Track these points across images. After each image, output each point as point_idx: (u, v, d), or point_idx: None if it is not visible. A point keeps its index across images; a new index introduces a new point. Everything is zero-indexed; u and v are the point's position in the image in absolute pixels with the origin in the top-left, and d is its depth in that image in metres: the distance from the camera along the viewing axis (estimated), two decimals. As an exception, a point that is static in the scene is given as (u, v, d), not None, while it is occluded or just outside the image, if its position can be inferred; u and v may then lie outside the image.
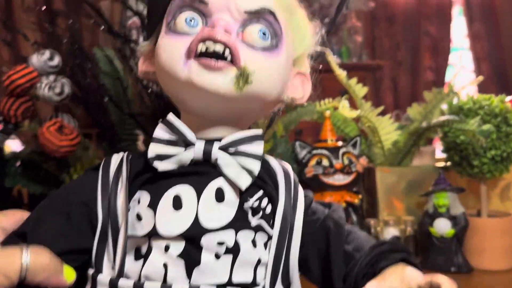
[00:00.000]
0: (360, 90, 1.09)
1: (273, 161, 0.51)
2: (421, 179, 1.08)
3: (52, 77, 0.82)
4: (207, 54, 0.43)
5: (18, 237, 0.45)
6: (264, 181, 0.47)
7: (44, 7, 0.82)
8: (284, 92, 0.50)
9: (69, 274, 0.43)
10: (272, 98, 0.48)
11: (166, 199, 0.45)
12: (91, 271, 0.46)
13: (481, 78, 1.04)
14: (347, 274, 0.45)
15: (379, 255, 0.44)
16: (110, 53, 0.93)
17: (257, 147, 0.46)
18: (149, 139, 0.91)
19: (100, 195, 0.47)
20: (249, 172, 0.45)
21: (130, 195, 0.46)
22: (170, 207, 0.44)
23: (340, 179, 0.94)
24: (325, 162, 0.96)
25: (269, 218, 0.47)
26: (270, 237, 0.47)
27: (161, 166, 0.45)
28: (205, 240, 0.44)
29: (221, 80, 0.43)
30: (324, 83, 2.06)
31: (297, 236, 0.48)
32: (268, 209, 0.47)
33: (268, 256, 0.46)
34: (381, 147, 1.06)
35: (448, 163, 1.05)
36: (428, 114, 1.05)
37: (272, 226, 0.47)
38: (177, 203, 0.45)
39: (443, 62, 3.04)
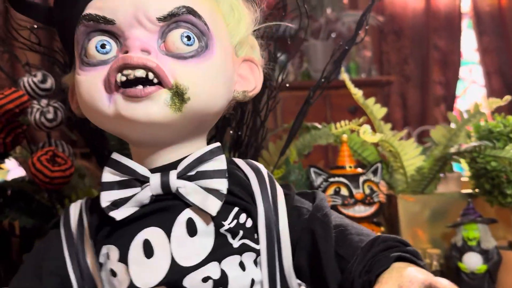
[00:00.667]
0: (378, 111, 1.01)
1: (242, 165, 0.46)
2: (447, 207, 1.00)
3: (44, 102, 0.75)
4: (131, 83, 0.38)
5: None
6: (236, 195, 0.43)
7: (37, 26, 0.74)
8: (231, 89, 0.45)
9: None
10: (220, 105, 0.44)
11: (135, 248, 0.41)
12: None
13: (509, 97, 0.96)
14: (342, 282, 0.41)
15: (372, 258, 0.39)
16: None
17: (219, 163, 0.42)
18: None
19: (68, 258, 0.44)
20: (216, 193, 0.41)
21: (97, 250, 0.43)
22: (141, 256, 0.41)
23: (361, 211, 0.86)
24: (344, 191, 0.87)
25: (252, 233, 0.43)
26: (258, 253, 0.43)
27: (119, 214, 0.40)
28: (188, 281, 0.40)
29: (154, 107, 0.39)
30: (332, 100, 1.99)
31: (286, 244, 0.43)
32: (249, 224, 0.43)
33: (261, 274, 0.43)
34: (403, 173, 0.98)
35: (476, 190, 0.97)
36: (453, 137, 0.97)
37: (257, 241, 0.43)
38: (148, 250, 0.41)
39: (453, 76, 2.96)
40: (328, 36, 2.34)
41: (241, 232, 0.43)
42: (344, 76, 1.04)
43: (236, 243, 0.42)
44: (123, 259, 0.41)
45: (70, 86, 0.48)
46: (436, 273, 0.95)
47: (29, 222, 0.87)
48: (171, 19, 0.40)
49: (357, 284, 0.38)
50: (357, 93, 1.02)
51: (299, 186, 0.96)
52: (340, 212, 0.87)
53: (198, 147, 0.43)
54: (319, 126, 1.00)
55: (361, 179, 0.89)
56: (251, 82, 0.47)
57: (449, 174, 1.06)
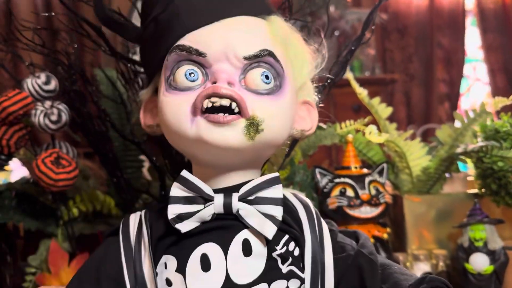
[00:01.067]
0: (383, 110, 1.00)
1: (291, 198, 0.51)
2: (453, 207, 0.99)
3: (48, 103, 0.75)
4: (214, 109, 0.43)
5: None
6: (288, 223, 0.46)
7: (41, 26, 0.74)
8: (293, 126, 0.50)
9: None
10: (284, 139, 0.49)
11: (194, 261, 0.44)
12: None
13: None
14: None
15: None
16: (113, 74, 0.85)
17: (277, 191, 0.46)
18: (154, 167, 0.84)
19: (125, 265, 0.46)
20: (272, 218, 0.44)
21: (155, 260, 0.46)
22: (198, 269, 0.44)
23: (367, 212, 0.85)
24: (350, 192, 0.87)
25: (298, 262, 0.46)
26: (303, 281, 0.46)
27: (184, 227, 0.44)
28: None
29: (231, 134, 0.43)
30: (336, 99, 1.98)
31: (330, 275, 0.47)
32: (296, 252, 0.47)
33: None
34: (409, 173, 0.98)
35: (482, 190, 0.96)
36: (459, 137, 0.96)
37: (302, 270, 0.46)
38: (205, 264, 0.44)
39: (457, 74, 2.94)
40: (332, 34, 2.32)
41: (290, 259, 0.46)
42: (349, 75, 1.03)
43: (284, 269, 0.45)
44: (181, 270, 0.44)
45: (144, 102, 0.52)
46: (442, 274, 0.94)
47: (33, 225, 0.87)
48: (255, 59, 0.45)
49: None
50: (362, 92, 1.01)
51: (304, 187, 0.95)
52: (346, 213, 0.86)
53: (254, 174, 0.48)
54: (324, 126, 0.99)
55: (367, 179, 0.88)
56: (308, 123, 0.52)
57: (455, 174, 1.06)
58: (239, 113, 0.43)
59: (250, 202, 0.45)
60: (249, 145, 0.44)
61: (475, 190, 1.01)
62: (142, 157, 0.97)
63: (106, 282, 0.46)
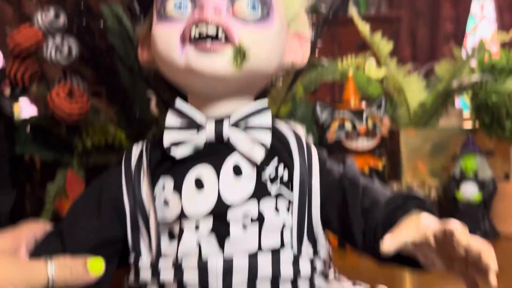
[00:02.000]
0: (384, 46, 1.02)
1: (283, 127, 0.52)
2: (447, 141, 1.04)
3: (58, 38, 0.77)
4: (202, 38, 0.44)
5: (56, 236, 0.47)
6: (277, 149, 0.48)
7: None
8: (283, 58, 0.50)
9: (96, 267, 0.43)
10: (272, 69, 0.49)
11: (189, 181, 0.46)
12: (131, 259, 0.48)
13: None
14: (366, 230, 0.46)
15: (394, 209, 0.43)
16: (119, 10, 0.87)
17: (266, 119, 0.47)
18: (161, 101, 0.87)
19: (125, 187, 0.49)
20: (261, 144, 0.47)
21: (153, 183, 0.48)
22: (193, 188, 0.46)
23: (364, 144, 0.90)
24: (348, 126, 0.91)
25: (287, 184, 0.48)
26: (291, 202, 0.48)
27: (178, 153, 0.46)
28: (231, 215, 0.45)
29: (219, 62, 0.44)
30: (340, 37, 1.98)
31: (316, 197, 0.49)
32: (285, 176, 0.48)
33: (291, 220, 0.48)
34: (406, 108, 1.01)
35: (476, 124, 1.00)
36: (456, 72, 0.98)
37: (291, 192, 0.48)
38: (199, 184, 0.46)
39: (464, 12, 2.88)
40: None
41: (278, 181, 0.48)
42: (353, 11, 1.04)
43: (273, 190, 0.47)
44: (178, 189, 0.47)
45: (141, 38, 0.53)
46: (434, 202, 1.00)
47: (49, 156, 0.92)
48: None
49: (379, 228, 0.43)
50: (364, 28, 1.03)
51: (305, 122, 0.99)
52: (344, 146, 0.91)
53: (247, 104, 0.49)
54: (325, 62, 1.02)
55: (365, 113, 0.92)
56: (299, 55, 0.51)
57: (451, 109, 1.09)
58: (226, 40, 0.44)
59: (240, 129, 0.47)
60: (237, 74, 0.45)
61: (470, 125, 1.05)
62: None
63: (105, 201, 0.49)
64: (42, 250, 0.45)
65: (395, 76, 0.94)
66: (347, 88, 0.96)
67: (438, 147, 1.04)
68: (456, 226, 0.35)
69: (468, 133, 0.97)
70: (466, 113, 1.11)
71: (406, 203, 0.43)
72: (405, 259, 0.42)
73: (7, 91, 0.85)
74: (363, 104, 0.96)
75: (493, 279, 0.34)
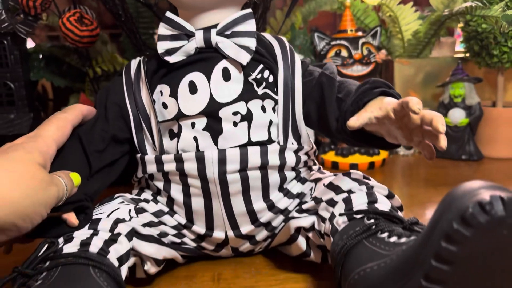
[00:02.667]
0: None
1: (268, 36, 0.57)
2: (439, 70, 1.08)
3: (67, -35, 0.81)
4: None
5: (76, 140, 0.52)
6: (262, 55, 0.53)
7: None
8: None
9: (77, 180, 0.46)
10: None
11: (183, 86, 0.52)
12: (138, 155, 0.54)
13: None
14: (339, 116, 0.50)
15: (362, 93, 0.48)
16: None
17: (250, 26, 0.52)
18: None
19: (126, 94, 0.54)
20: (247, 49, 0.51)
21: (152, 90, 0.54)
22: (187, 92, 0.52)
23: (358, 70, 0.95)
24: (344, 53, 0.95)
25: (273, 86, 0.54)
26: (276, 102, 0.54)
27: (172, 58, 0.51)
28: (222, 113, 0.51)
29: None
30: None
31: (299, 96, 0.54)
32: (271, 79, 0.54)
33: (277, 118, 0.53)
34: (401, 38, 1.05)
35: (467, 54, 1.04)
36: (450, 4, 1.02)
37: (276, 93, 0.54)
38: (193, 88, 0.51)
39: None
40: None
41: (264, 83, 0.53)
42: None
43: (260, 91, 0.52)
44: (173, 94, 0.52)
45: None
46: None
47: (62, 82, 0.98)
48: None
49: (348, 112, 0.48)
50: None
51: (303, 51, 1.04)
52: (340, 72, 0.96)
53: (232, 14, 0.52)
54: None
55: (361, 41, 0.96)
56: None
57: (444, 39, 1.13)
58: None
59: (228, 36, 0.51)
60: None
61: (461, 54, 1.09)
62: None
63: (110, 105, 0.54)
64: (67, 154, 0.50)
65: (389, 5, 0.97)
66: (344, 17, 1.00)
67: (430, 76, 1.08)
68: (412, 98, 0.40)
69: (458, 61, 1.01)
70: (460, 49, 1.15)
71: (373, 90, 0.48)
72: (372, 140, 0.49)
73: (20, 18, 0.89)
74: (359, 32, 1.00)
75: (443, 141, 0.39)
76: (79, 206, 0.47)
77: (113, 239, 0.45)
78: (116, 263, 0.43)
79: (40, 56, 0.99)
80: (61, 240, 0.44)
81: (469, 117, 1.01)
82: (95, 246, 0.43)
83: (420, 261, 0.31)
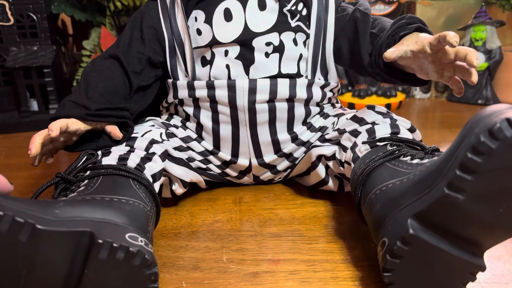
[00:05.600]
0: None
1: None
2: (462, 13, 1.06)
3: None
4: None
5: (113, 58, 0.53)
6: None
7: None
8: None
9: None
10: None
11: (218, 13, 0.52)
12: (170, 80, 0.56)
13: None
14: (372, 49, 0.51)
15: (399, 27, 0.48)
16: None
17: None
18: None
19: (162, 18, 0.55)
20: None
21: (187, 15, 0.54)
22: (222, 19, 0.52)
23: (380, 9, 0.94)
24: (367, -8, 0.94)
25: (306, 20, 0.55)
26: (308, 36, 0.55)
27: None
28: (255, 43, 0.52)
29: None
30: None
31: (330, 32, 0.55)
32: (304, 12, 0.54)
33: (307, 52, 0.55)
34: (425, -22, 1.03)
35: (492, -3, 1.02)
36: None
37: (308, 27, 0.55)
38: (228, 16, 0.52)
39: None
40: None
41: (297, 16, 0.54)
42: None
43: (293, 23, 0.53)
44: (208, 21, 0.53)
45: None
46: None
47: (83, 16, 0.98)
48: None
49: (383, 45, 0.48)
50: None
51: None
52: (361, 11, 0.95)
53: None
54: None
55: (384, -20, 0.95)
56: None
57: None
58: None
59: None
60: None
61: (485, -2, 1.07)
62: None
63: (146, 28, 0.55)
64: (109, 73, 0.52)
65: None
66: (368, -45, 0.98)
67: (452, 19, 1.07)
68: (449, 32, 0.41)
69: (482, 3, 0.99)
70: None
71: (408, 25, 0.48)
72: (403, 75, 0.49)
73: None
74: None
75: (474, 75, 0.41)
76: (122, 122, 0.49)
77: (148, 158, 0.47)
78: (150, 180, 0.46)
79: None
80: (99, 152, 0.47)
81: (489, 61, 1.00)
82: (133, 161, 0.45)
83: (445, 172, 0.33)
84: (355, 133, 0.50)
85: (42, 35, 0.89)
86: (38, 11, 0.88)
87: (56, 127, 0.43)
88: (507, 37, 1.11)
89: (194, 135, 0.56)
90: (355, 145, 0.48)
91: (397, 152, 0.43)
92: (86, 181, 0.41)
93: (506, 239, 0.35)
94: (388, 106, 0.96)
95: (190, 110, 0.55)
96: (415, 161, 0.40)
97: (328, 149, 0.53)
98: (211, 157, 0.57)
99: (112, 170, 0.42)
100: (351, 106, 0.98)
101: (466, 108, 1.01)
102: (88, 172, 0.43)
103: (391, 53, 0.45)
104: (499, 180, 0.32)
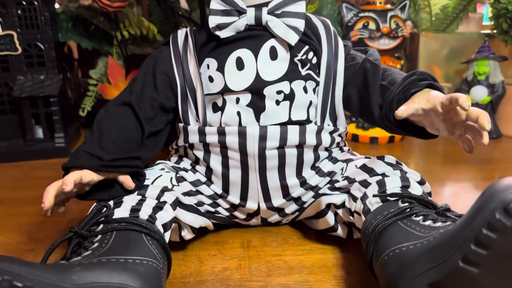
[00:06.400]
0: (412, -52, 1.03)
1: (314, 18, 0.58)
2: (465, 46, 1.08)
3: None
4: None
5: (125, 105, 0.53)
6: (308, 36, 0.55)
7: None
8: None
9: None
10: None
11: (230, 62, 0.53)
12: (181, 125, 0.56)
13: None
14: (382, 102, 0.52)
15: (409, 84, 0.49)
16: None
17: (300, 7, 0.53)
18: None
19: (174, 64, 0.56)
20: (295, 29, 0.53)
21: (199, 62, 0.55)
22: (234, 68, 0.53)
23: (385, 44, 0.95)
24: (372, 26, 0.95)
25: (316, 68, 0.56)
26: (317, 84, 0.56)
27: (222, 34, 0.53)
28: (267, 91, 0.53)
29: None
30: None
31: (340, 80, 0.56)
32: (314, 61, 0.55)
33: (317, 99, 0.56)
34: (429, 11, 1.04)
35: (494, 31, 1.04)
36: (482, -22, 1.00)
37: (318, 75, 0.56)
38: (240, 64, 0.53)
39: None
40: None
41: (308, 64, 0.55)
42: None
43: (303, 72, 0.54)
44: (220, 69, 0.54)
45: None
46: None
47: (89, 44, 0.99)
48: None
49: (394, 101, 0.49)
50: None
51: (330, 21, 1.03)
52: (366, 45, 0.96)
53: None
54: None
55: (389, 14, 0.96)
56: None
57: (472, 15, 1.12)
58: None
59: (277, 16, 0.52)
60: None
61: (488, 31, 1.08)
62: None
63: (159, 75, 0.56)
64: (122, 119, 0.52)
65: (421, -21, 0.96)
66: (374, -11, 0.99)
67: (455, 51, 1.08)
68: (461, 95, 0.41)
69: (484, 38, 1.01)
70: (486, 22, 1.14)
71: (420, 81, 0.48)
72: (413, 129, 0.50)
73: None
74: (388, 5, 0.99)
75: (485, 138, 0.41)
76: (135, 171, 0.49)
77: (159, 207, 0.48)
78: (161, 230, 0.46)
79: (68, 17, 0.99)
80: (111, 203, 0.47)
81: (492, 95, 1.01)
82: (145, 212, 0.46)
83: (459, 244, 0.33)
84: (365, 184, 0.50)
85: (49, 64, 0.90)
86: (46, 41, 0.88)
87: (70, 181, 0.44)
88: (510, 70, 1.13)
89: (204, 179, 0.57)
90: (365, 196, 0.49)
91: (408, 210, 0.43)
92: (99, 236, 0.42)
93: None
94: (391, 138, 0.97)
95: (200, 154, 0.56)
96: (427, 222, 0.41)
97: (337, 198, 0.53)
98: (220, 201, 0.57)
99: (125, 225, 0.43)
100: (355, 137, 0.99)
101: (469, 140, 1.01)
102: (101, 226, 0.43)
103: (403, 111, 0.46)
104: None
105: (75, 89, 1.09)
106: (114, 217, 0.44)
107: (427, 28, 1.08)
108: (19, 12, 0.86)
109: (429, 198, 0.48)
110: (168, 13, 0.90)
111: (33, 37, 0.88)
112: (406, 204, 0.44)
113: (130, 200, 0.47)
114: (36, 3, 0.86)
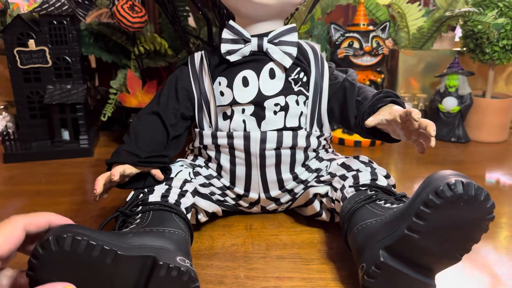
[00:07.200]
0: (393, -25, 1.16)
1: (304, 44, 0.71)
2: (439, 61, 1.21)
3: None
4: None
5: (154, 114, 0.66)
6: (300, 60, 0.67)
7: None
8: None
9: None
10: (299, 1, 0.66)
11: (238, 80, 0.66)
12: (197, 130, 0.69)
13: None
14: (357, 114, 0.64)
15: (377, 100, 0.61)
16: None
17: (293, 37, 0.66)
18: (203, 15, 1.04)
19: (192, 81, 0.68)
20: (289, 55, 0.65)
21: (213, 80, 0.67)
22: (241, 85, 0.66)
23: (367, 61, 1.08)
24: (356, 45, 1.09)
25: (305, 85, 0.68)
26: (307, 98, 0.68)
27: (231, 58, 0.65)
28: (266, 103, 0.65)
29: None
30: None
31: (325, 95, 0.68)
32: (304, 79, 0.68)
33: (306, 110, 0.68)
34: (407, 31, 1.18)
35: (464, 49, 1.18)
36: (453, 3, 1.14)
37: (308, 90, 0.68)
38: (245, 82, 0.66)
39: None
40: None
41: (299, 82, 0.67)
42: None
43: (296, 88, 0.66)
44: (230, 85, 0.66)
45: None
46: (421, 112, 1.20)
47: (109, 58, 1.12)
48: None
49: (365, 113, 0.62)
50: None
51: (320, 40, 1.17)
52: (351, 61, 1.10)
53: (279, 25, 0.66)
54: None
55: (371, 35, 1.09)
56: None
57: (445, 34, 1.25)
58: None
59: (275, 44, 0.65)
60: (276, 3, 0.61)
61: (459, 48, 1.22)
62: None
63: (180, 90, 0.68)
64: (153, 125, 0.65)
65: (399, 3, 1.10)
66: (358, 12, 1.13)
67: (430, 66, 1.21)
68: (413, 109, 0.54)
69: (455, 55, 1.15)
70: (457, 40, 1.28)
71: (386, 98, 0.62)
72: (380, 135, 0.63)
73: (78, 2, 1.02)
74: (370, 26, 1.13)
75: (432, 141, 0.53)
76: (164, 166, 0.63)
77: (182, 194, 0.61)
78: (185, 212, 0.59)
79: (89, 33, 1.12)
80: (145, 190, 0.60)
81: (461, 105, 1.15)
82: (172, 198, 0.59)
83: (405, 218, 0.47)
84: (343, 177, 0.64)
85: (75, 75, 1.02)
86: (73, 55, 1.01)
87: (117, 173, 0.57)
88: (478, 83, 1.27)
89: (215, 174, 0.70)
90: (343, 187, 0.62)
91: (374, 196, 0.57)
92: (140, 215, 0.55)
93: (450, 266, 0.49)
94: (373, 142, 1.10)
95: (212, 153, 0.69)
96: (387, 205, 0.54)
97: (322, 189, 0.66)
98: (228, 191, 0.70)
99: (158, 206, 0.56)
100: (341, 141, 1.12)
101: (441, 145, 1.15)
102: (140, 208, 0.56)
103: (371, 121, 0.59)
104: (443, 225, 0.45)
105: (94, 96, 1.21)
106: (149, 201, 0.57)
107: (406, 46, 1.22)
108: (51, 30, 0.99)
109: (392, 188, 0.61)
110: (179, 32, 1.03)
111: (62, 52, 1.01)
112: (373, 192, 0.58)
113: (160, 189, 0.61)
114: (65, 22, 0.99)
